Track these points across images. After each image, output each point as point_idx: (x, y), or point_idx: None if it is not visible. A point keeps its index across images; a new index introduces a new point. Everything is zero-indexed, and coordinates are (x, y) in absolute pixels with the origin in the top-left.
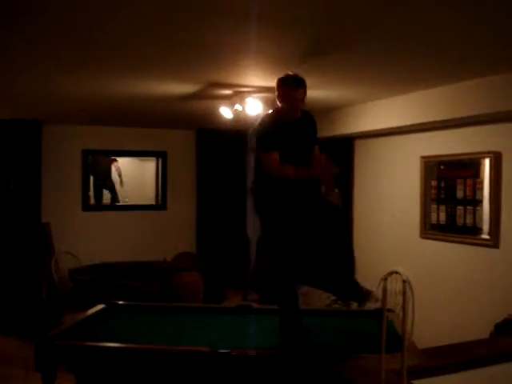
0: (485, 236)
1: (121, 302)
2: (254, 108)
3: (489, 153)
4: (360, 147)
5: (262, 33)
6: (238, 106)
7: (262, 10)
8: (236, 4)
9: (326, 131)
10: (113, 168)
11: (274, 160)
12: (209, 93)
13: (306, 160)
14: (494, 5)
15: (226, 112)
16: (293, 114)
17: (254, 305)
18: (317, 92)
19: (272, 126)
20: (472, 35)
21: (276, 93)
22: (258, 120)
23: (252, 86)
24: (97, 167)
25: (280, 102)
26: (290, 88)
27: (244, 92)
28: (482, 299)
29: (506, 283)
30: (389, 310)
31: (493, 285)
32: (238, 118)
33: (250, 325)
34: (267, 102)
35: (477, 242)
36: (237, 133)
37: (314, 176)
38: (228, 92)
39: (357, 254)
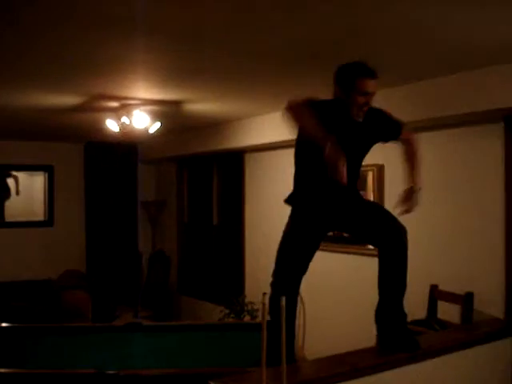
0: (371, 246)
1: (4, 325)
2: (141, 121)
3: (373, 166)
4: (250, 160)
5: (148, 46)
6: (125, 119)
7: (148, 23)
8: (121, 17)
9: (218, 144)
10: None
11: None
12: (95, 105)
13: (356, 171)
14: None
15: (112, 125)
16: (355, 115)
17: (145, 322)
18: (208, 105)
19: (329, 118)
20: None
21: (340, 87)
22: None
23: (139, 99)
24: None
25: (342, 96)
26: (367, 78)
27: (131, 105)
28: (368, 307)
29: None
30: None
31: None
32: (126, 131)
33: (139, 343)
34: (155, 115)
35: (363, 252)
36: (126, 146)
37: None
38: (115, 104)
39: (248, 265)
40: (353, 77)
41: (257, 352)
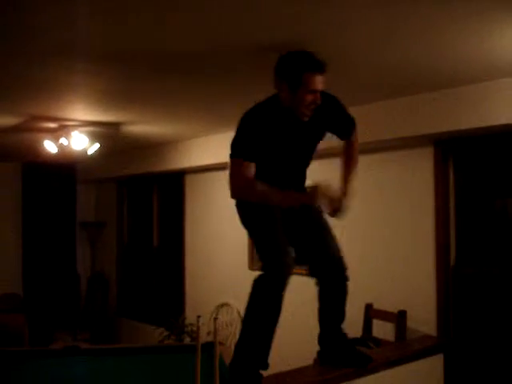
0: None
1: None
2: (80, 142)
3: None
4: (191, 181)
5: (85, 68)
6: (63, 140)
7: (85, 46)
8: (58, 41)
9: (158, 166)
10: None
11: (245, 172)
12: (32, 126)
13: (303, 174)
14: None
15: (50, 146)
16: (303, 115)
17: (83, 345)
18: (147, 127)
19: (263, 124)
20: None
21: (284, 82)
22: (247, 110)
23: (77, 120)
24: None
25: (288, 93)
26: (313, 73)
27: (69, 126)
28: (306, 326)
29: None
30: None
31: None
32: (64, 152)
33: (77, 367)
34: (93, 136)
35: (303, 272)
36: (65, 166)
37: (310, 203)
38: (53, 125)
39: (189, 287)
40: (299, 71)
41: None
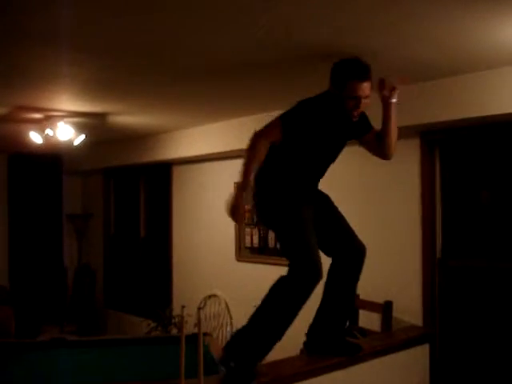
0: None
1: None
2: (66, 133)
3: None
4: (178, 172)
5: (71, 59)
6: (49, 131)
7: (70, 37)
8: (43, 31)
9: (145, 157)
10: None
11: (270, 133)
12: (17, 116)
13: (323, 173)
14: None
15: (35, 137)
16: (354, 114)
17: (69, 337)
18: (134, 118)
19: (319, 115)
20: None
21: (333, 87)
22: (309, 98)
23: (63, 111)
24: None
25: (336, 96)
26: (354, 80)
27: (55, 116)
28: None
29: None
30: (205, 334)
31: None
32: (50, 143)
33: (64, 359)
34: (80, 127)
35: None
36: (51, 157)
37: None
38: (38, 116)
39: (176, 278)
40: (344, 79)
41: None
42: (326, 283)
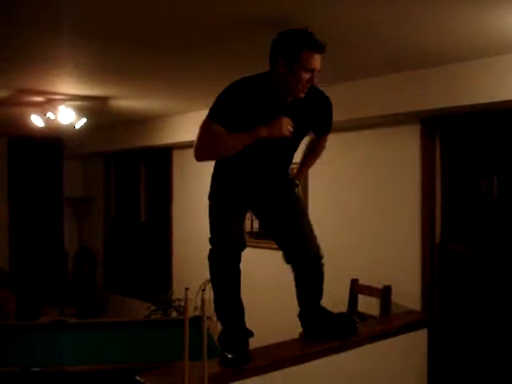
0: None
1: None
2: (67, 116)
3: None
4: (179, 157)
5: (73, 43)
6: (50, 114)
7: (72, 20)
8: (46, 14)
9: (146, 141)
10: None
11: (212, 131)
12: (19, 100)
13: (290, 159)
14: None
15: (37, 120)
16: (298, 92)
17: (70, 320)
18: (135, 102)
19: (250, 99)
20: None
21: (281, 57)
22: (236, 81)
23: (65, 94)
24: None
25: (284, 69)
26: (311, 51)
27: (56, 100)
28: (291, 301)
29: None
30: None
31: None
32: (51, 127)
33: (65, 341)
34: (81, 111)
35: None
36: (52, 141)
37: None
38: (40, 99)
39: (176, 262)
40: (299, 47)
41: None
42: (294, 279)
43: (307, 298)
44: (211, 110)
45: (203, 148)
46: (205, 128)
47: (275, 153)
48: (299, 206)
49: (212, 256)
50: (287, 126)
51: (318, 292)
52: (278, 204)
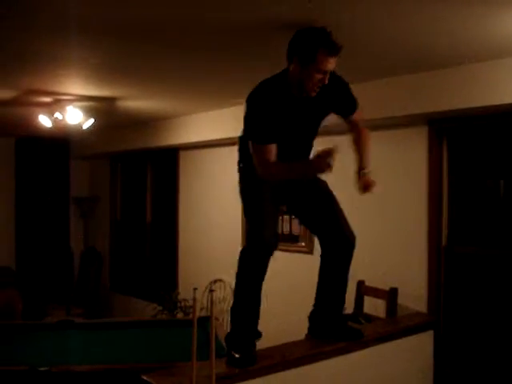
0: (301, 243)
1: None
2: (75, 117)
3: None
4: (185, 157)
5: (81, 43)
6: (58, 115)
7: (80, 20)
8: (53, 14)
9: (153, 142)
10: None
11: (268, 157)
12: (27, 100)
13: (311, 145)
14: None
15: (45, 120)
16: (310, 90)
17: (77, 319)
18: (142, 103)
19: (272, 104)
20: None
21: (296, 55)
22: (254, 90)
23: (72, 95)
24: None
25: (298, 67)
26: (327, 55)
27: (64, 100)
28: (303, 302)
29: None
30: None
31: (311, 288)
32: (58, 127)
33: (71, 341)
34: (88, 111)
35: (295, 249)
36: (59, 141)
37: (311, 176)
38: (47, 100)
39: (182, 263)
40: (315, 47)
41: (189, 348)
42: (319, 270)
43: (333, 286)
44: (252, 135)
45: (267, 176)
46: (259, 155)
47: (299, 142)
48: (328, 190)
49: (245, 254)
50: (325, 163)
51: (344, 283)
52: (309, 190)
